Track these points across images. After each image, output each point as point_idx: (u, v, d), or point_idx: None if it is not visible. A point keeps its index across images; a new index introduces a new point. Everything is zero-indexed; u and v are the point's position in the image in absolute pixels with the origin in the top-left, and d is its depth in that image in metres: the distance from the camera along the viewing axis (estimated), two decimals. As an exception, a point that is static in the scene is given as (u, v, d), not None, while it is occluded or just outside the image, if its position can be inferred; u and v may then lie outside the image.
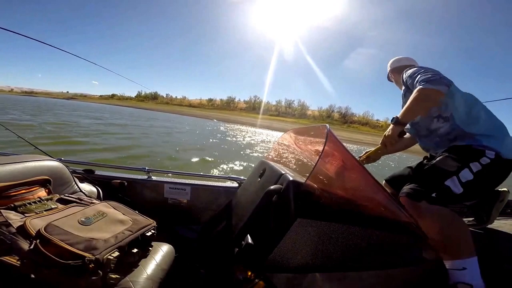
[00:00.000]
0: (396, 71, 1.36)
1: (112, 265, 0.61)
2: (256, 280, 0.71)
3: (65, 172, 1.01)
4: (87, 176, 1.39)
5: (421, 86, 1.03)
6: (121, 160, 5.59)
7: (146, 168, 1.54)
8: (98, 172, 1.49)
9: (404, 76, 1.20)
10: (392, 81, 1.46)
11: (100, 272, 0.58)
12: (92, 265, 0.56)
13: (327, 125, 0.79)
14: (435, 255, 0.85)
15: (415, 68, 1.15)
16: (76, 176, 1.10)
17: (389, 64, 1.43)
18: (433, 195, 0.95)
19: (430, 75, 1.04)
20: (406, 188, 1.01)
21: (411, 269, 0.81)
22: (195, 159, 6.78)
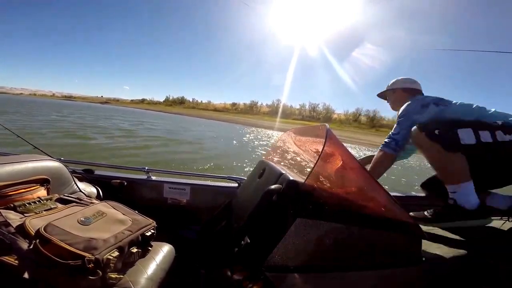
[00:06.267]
0: (401, 91, 1.44)
1: (111, 265, 0.61)
2: (255, 281, 0.71)
3: (65, 172, 1.01)
4: (87, 176, 1.39)
5: (379, 148, 1.26)
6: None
7: (146, 168, 1.54)
8: (98, 172, 1.49)
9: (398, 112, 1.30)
10: (385, 98, 1.54)
11: (100, 272, 0.57)
12: (92, 265, 0.56)
13: (326, 124, 0.79)
14: (435, 255, 0.85)
15: (401, 115, 1.25)
16: (75, 176, 1.09)
17: (393, 82, 1.48)
18: (436, 132, 1.04)
19: (393, 136, 1.22)
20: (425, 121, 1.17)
21: (411, 269, 0.81)
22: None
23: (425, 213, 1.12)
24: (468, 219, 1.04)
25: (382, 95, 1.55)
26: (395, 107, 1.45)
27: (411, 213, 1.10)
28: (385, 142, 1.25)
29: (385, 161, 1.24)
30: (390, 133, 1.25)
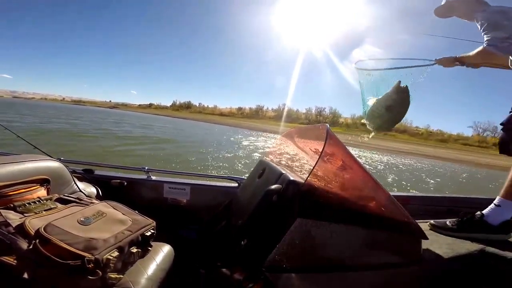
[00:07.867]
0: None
1: (111, 265, 0.61)
2: (255, 281, 0.71)
3: (65, 172, 1.01)
4: (87, 176, 1.39)
5: (489, 48, 1.06)
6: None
7: (146, 167, 1.53)
8: (98, 172, 1.49)
9: (477, 18, 1.15)
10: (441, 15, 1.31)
11: (100, 272, 0.57)
12: (92, 265, 0.56)
13: (327, 124, 0.79)
14: (435, 255, 0.85)
15: (486, 17, 1.11)
16: (75, 176, 1.09)
17: None
18: None
19: (500, 39, 1.04)
20: None
21: (411, 269, 0.81)
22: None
23: (447, 222, 1.05)
24: (489, 233, 0.99)
25: (441, 12, 1.32)
26: (467, 14, 1.24)
27: (432, 221, 1.06)
28: (499, 46, 1.05)
29: (496, 60, 1.08)
30: (491, 34, 1.08)
